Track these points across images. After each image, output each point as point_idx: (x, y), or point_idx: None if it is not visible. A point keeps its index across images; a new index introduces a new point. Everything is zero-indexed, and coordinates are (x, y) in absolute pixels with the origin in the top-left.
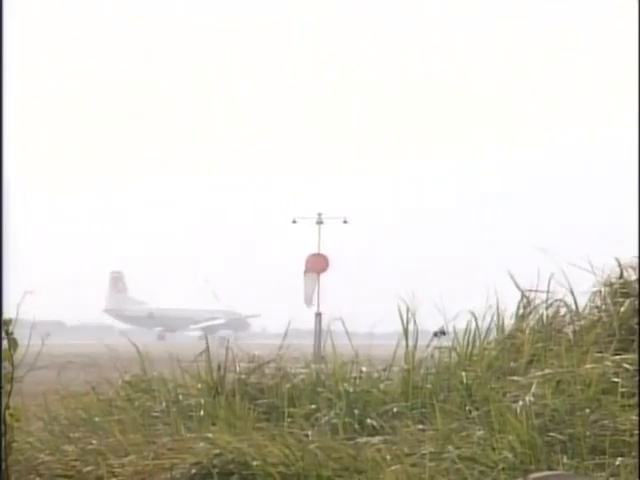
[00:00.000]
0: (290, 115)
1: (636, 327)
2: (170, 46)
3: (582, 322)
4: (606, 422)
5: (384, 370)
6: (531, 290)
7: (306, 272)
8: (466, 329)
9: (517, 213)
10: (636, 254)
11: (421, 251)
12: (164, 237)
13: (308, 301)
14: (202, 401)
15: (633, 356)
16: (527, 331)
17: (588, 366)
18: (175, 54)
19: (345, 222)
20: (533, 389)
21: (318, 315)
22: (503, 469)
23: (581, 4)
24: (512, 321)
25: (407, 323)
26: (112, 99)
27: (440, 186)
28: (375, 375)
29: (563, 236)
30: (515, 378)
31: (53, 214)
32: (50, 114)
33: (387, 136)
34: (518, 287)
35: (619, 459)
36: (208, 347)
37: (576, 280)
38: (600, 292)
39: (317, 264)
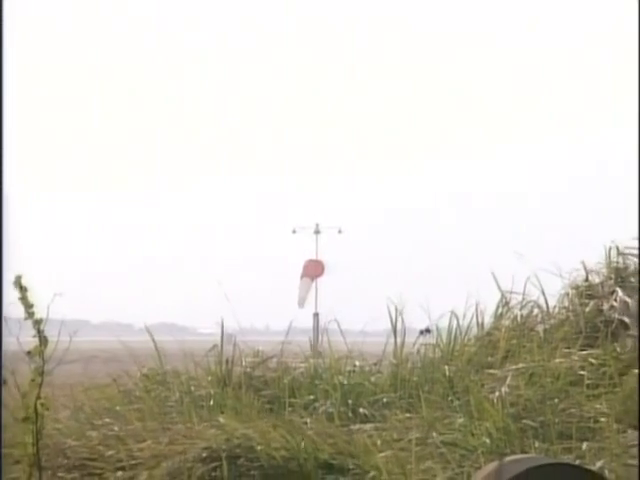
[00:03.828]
0: (291, 131)
1: (599, 325)
2: (168, 52)
3: (552, 321)
4: (573, 410)
5: (375, 364)
6: (510, 292)
7: (303, 276)
8: (449, 327)
9: (495, 222)
10: (600, 260)
11: (409, 258)
12: (176, 238)
13: (301, 303)
14: (212, 392)
15: (597, 351)
16: (503, 329)
17: (557, 360)
18: (171, 61)
19: (340, 232)
20: (508, 381)
21: (315, 315)
22: (482, 453)
23: (583, 4)
24: (491, 320)
25: (396, 322)
26: (114, 103)
27: (427, 197)
28: (367, 369)
29: (536, 243)
30: (492, 371)
31: (77, 217)
32: (54, 114)
33: (378, 150)
34: (500, 289)
35: (585, 443)
36: (222, 344)
37: (547, 283)
38: (568, 294)
39: (314, 269)
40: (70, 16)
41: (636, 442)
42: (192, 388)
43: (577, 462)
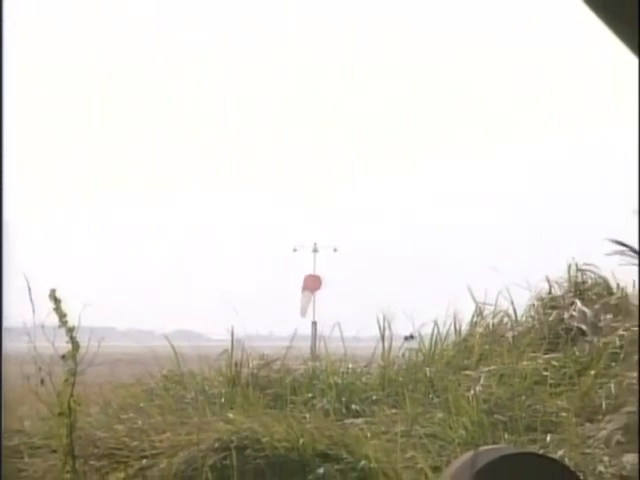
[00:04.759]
0: (291, 131)
1: (561, 332)
2: (168, 52)
3: (520, 329)
4: (538, 406)
5: (366, 366)
6: (484, 303)
7: (304, 289)
8: (431, 334)
9: (470, 240)
10: (562, 274)
11: (396, 273)
12: (183, 248)
13: (303, 313)
14: (223, 391)
15: (559, 355)
16: (477, 336)
17: (524, 363)
18: (171, 61)
19: (335, 250)
20: (482, 381)
21: (314, 323)
22: (459, 444)
23: (583, 4)
24: (467, 327)
25: (384, 329)
26: (114, 103)
27: (424, 199)
28: (359, 370)
29: (506, 258)
30: (468, 372)
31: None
32: (54, 114)
33: (378, 150)
34: (475, 301)
35: (548, 435)
36: (232, 348)
37: (516, 295)
38: (534, 305)
39: (313, 283)
40: (70, 16)
41: (592, 434)
42: (206, 387)
43: (541, 451)
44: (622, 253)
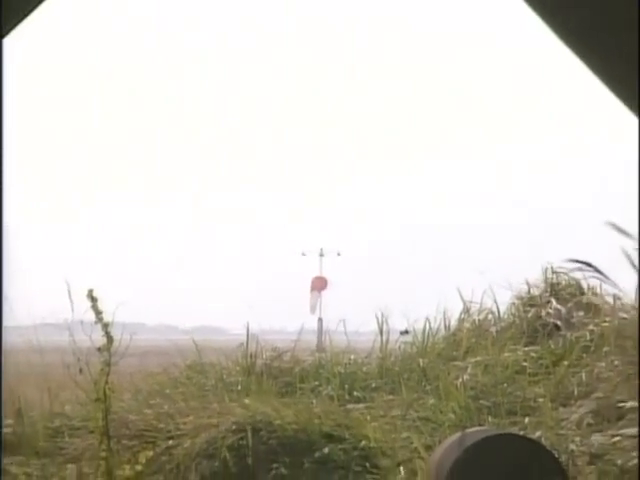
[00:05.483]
0: (291, 131)
1: (538, 327)
2: (168, 52)
3: (502, 324)
4: (518, 393)
5: (366, 358)
6: (470, 302)
7: (312, 289)
8: (423, 329)
9: (470, 240)
10: (538, 277)
11: (395, 273)
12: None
13: (312, 310)
14: (239, 379)
15: (536, 347)
16: (465, 331)
17: (506, 354)
18: (171, 61)
19: (339, 254)
20: (468, 370)
21: (320, 320)
22: (448, 426)
23: None
24: (455, 323)
25: (382, 325)
26: (114, 103)
27: (423, 201)
28: (360, 361)
29: (504, 258)
30: (456, 363)
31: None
32: (54, 114)
33: (378, 150)
34: (463, 299)
35: (527, 418)
36: (247, 341)
37: (499, 295)
38: (514, 303)
39: (320, 283)
40: (70, 16)
41: (565, 417)
42: (224, 376)
43: (521, 433)
44: (581, 269)
